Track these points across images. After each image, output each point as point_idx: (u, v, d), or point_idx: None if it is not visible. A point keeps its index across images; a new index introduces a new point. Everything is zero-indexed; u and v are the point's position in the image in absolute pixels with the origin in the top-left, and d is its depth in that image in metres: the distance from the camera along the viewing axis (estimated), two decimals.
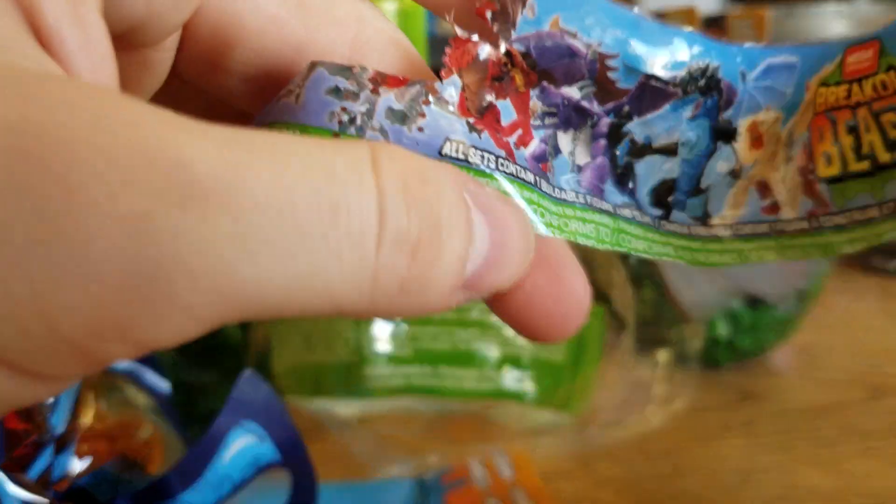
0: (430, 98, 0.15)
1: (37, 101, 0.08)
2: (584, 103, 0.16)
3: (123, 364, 0.24)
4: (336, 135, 0.14)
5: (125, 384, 0.23)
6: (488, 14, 0.16)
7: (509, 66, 0.16)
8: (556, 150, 0.16)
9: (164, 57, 0.14)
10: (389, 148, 0.11)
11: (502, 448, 0.26)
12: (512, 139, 0.16)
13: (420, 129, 0.15)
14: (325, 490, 0.24)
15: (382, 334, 0.23)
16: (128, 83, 0.13)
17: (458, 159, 0.15)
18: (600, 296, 0.39)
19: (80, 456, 0.20)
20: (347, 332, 0.23)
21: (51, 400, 0.20)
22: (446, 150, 0.15)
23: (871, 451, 0.30)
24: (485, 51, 0.16)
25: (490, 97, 0.16)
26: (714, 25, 0.58)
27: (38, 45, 0.10)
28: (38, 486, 0.19)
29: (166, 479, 0.19)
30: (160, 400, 0.24)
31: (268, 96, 0.16)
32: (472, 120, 0.15)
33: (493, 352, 0.25)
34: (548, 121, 0.16)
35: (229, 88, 0.15)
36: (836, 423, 0.33)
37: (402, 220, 0.10)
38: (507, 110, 0.16)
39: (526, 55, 0.16)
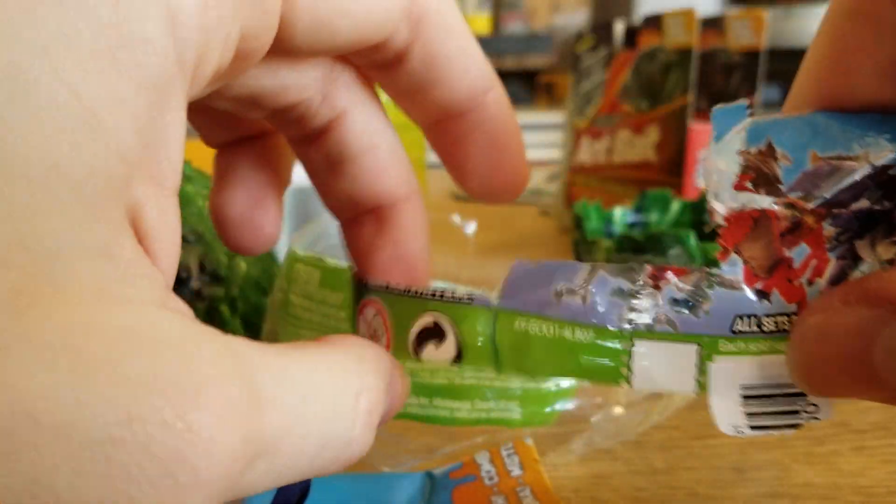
0: (713, 281, 0.15)
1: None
2: (876, 207, 0.16)
3: None
4: (627, 332, 0.15)
5: None
6: (749, 184, 0.16)
7: (797, 214, 0.16)
8: (857, 260, 0.16)
9: None
10: (370, 389, 0.14)
11: (512, 446, 0.26)
12: (805, 276, 0.16)
13: (707, 313, 0.15)
14: (336, 481, 0.25)
15: None
16: None
17: (752, 332, 0.15)
18: None
19: None
20: None
21: None
22: (737, 327, 0.15)
23: (864, 449, 0.31)
24: (762, 218, 0.16)
25: (783, 252, 0.16)
26: (713, 26, 0.58)
27: (136, 246, 0.12)
28: None
29: None
30: None
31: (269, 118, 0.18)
32: (759, 285, 0.16)
33: (485, 386, 0.26)
34: (842, 238, 0.16)
35: (224, 107, 0.17)
36: (829, 422, 0.33)
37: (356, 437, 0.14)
38: (801, 252, 0.16)
39: (807, 196, 0.16)
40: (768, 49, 0.55)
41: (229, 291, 0.29)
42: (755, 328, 0.15)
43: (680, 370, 0.15)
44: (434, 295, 0.17)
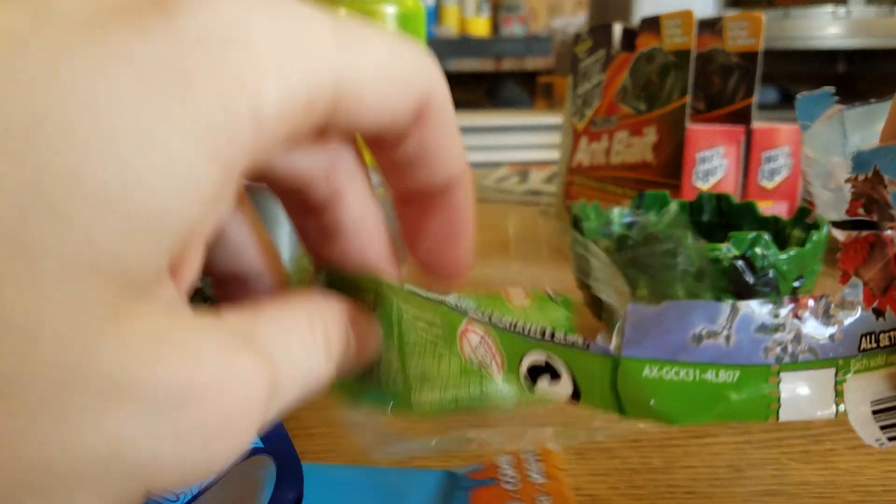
0: (836, 305, 0.16)
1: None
2: None
3: None
4: (774, 367, 0.16)
5: None
6: (861, 211, 0.17)
7: None
8: None
9: None
10: (327, 323, 0.17)
11: (536, 451, 0.26)
12: None
13: (841, 336, 0.16)
14: (352, 472, 0.25)
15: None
16: None
17: (872, 349, 0.16)
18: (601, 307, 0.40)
19: None
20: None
21: None
22: (863, 345, 0.16)
23: (861, 447, 0.30)
24: (879, 242, 0.17)
25: None
26: (710, 28, 0.59)
27: (170, 280, 0.15)
28: None
29: None
30: None
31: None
32: (875, 304, 0.16)
33: None
34: None
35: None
36: (826, 420, 0.33)
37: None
38: None
39: None
40: (765, 51, 0.56)
41: None
42: (874, 344, 0.16)
43: (821, 395, 0.16)
44: (544, 336, 0.17)
